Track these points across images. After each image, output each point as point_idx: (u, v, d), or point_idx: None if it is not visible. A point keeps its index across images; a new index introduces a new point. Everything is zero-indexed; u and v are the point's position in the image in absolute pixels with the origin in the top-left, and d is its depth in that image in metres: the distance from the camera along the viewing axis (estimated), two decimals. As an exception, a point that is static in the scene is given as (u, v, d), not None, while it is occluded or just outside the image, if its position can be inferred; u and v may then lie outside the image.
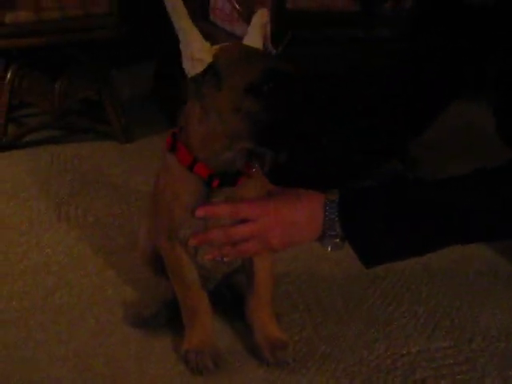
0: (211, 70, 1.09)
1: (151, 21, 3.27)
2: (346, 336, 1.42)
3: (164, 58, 3.14)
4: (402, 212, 1.20)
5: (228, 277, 1.43)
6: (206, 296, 1.32)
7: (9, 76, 2.49)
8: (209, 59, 1.10)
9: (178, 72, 2.75)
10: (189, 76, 1.11)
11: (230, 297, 1.50)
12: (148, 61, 3.36)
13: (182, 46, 1.10)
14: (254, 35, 1.19)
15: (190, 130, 1.17)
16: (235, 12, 2.04)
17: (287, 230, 1.20)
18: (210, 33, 2.35)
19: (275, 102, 1.05)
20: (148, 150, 2.55)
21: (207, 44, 1.11)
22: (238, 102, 1.08)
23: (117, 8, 2.49)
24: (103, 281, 1.61)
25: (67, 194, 2.12)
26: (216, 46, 1.13)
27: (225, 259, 1.23)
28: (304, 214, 1.20)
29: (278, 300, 1.50)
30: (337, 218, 1.19)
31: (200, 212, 1.18)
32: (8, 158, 2.45)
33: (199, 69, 1.09)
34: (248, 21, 1.96)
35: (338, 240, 1.22)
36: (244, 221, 1.20)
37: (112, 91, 2.64)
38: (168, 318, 1.43)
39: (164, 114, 2.90)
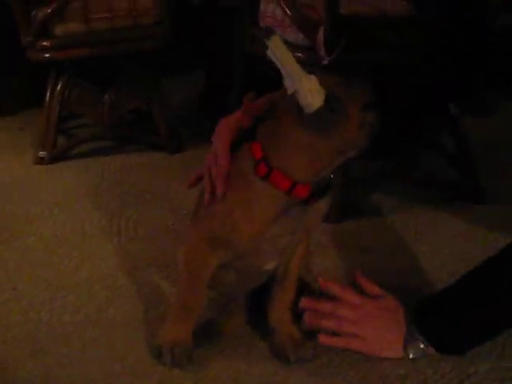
0: (330, 99, 1.12)
1: (200, 30, 3.28)
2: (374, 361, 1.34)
3: (214, 68, 3.13)
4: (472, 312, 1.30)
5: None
6: (206, 297, 1.34)
7: (59, 87, 2.49)
8: (323, 91, 1.13)
9: (228, 82, 2.76)
10: (311, 110, 1.12)
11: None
12: (197, 70, 3.35)
13: (295, 86, 1.12)
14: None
15: (290, 155, 1.16)
16: (287, 18, 2.00)
17: (381, 322, 1.34)
18: (260, 39, 2.31)
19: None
20: (198, 160, 2.51)
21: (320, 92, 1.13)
22: (362, 119, 1.14)
23: (166, 18, 2.48)
24: (156, 295, 1.58)
25: (118, 205, 2.10)
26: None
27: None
28: (394, 315, 1.36)
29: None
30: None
31: (305, 304, 1.35)
32: (58, 169, 2.45)
33: (321, 99, 1.11)
34: (300, 27, 1.94)
35: (422, 346, 1.32)
36: None
37: (161, 101, 2.62)
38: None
39: (213, 124, 2.87)
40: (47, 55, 2.39)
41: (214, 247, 1.23)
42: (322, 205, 1.22)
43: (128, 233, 1.91)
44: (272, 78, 2.37)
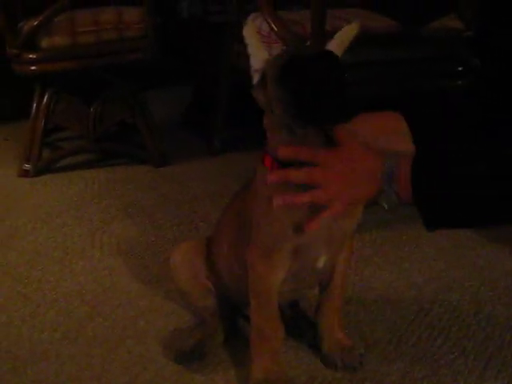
0: (262, 76, 1.14)
1: (187, 44, 3.28)
2: (390, 373, 1.33)
3: (200, 82, 3.13)
4: (472, 184, 1.21)
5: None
6: (283, 326, 1.28)
7: (45, 100, 2.49)
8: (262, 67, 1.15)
9: (214, 96, 2.75)
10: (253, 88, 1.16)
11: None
12: (183, 84, 3.35)
13: (250, 60, 1.19)
14: (334, 43, 1.19)
15: (269, 136, 1.19)
16: (273, 33, 2.00)
17: (355, 181, 1.19)
18: (246, 54, 2.32)
19: (301, 84, 1.06)
20: (184, 173, 2.52)
21: (266, 55, 1.17)
22: (273, 95, 1.10)
23: (152, 31, 2.47)
24: (136, 312, 1.56)
25: (101, 220, 2.09)
26: None
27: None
28: (368, 165, 1.20)
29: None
30: (394, 175, 1.20)
31: (273, 177, 1.16)
32: (42, 182, 2.45)
33: (256, 79, 1.15)
34: (286, 42, 1.95)
35: (394, 197, 1.22)
36: None
37: (146, 115, 2.62)
38: (207, 351, 1.38)
39: (200, 138, 2.88)
40: (33, 68, 2.39)
41: (271, 261, 1.21)
42: None
43: (110, 248, 1.90)
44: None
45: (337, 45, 1.18)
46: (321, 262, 1.25)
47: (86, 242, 1.94)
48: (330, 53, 1.09)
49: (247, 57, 1.22)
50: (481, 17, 2.06)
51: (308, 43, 1.88)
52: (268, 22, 2.03)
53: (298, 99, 1.06)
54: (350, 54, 1.94)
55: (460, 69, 2.08)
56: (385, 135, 1.26)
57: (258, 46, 1.19)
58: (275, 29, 1.99)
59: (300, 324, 1.48)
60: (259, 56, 1.17)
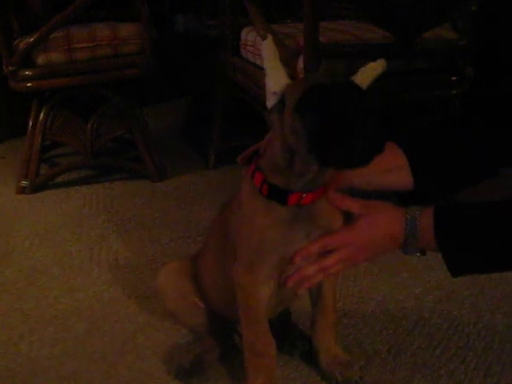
0: (280, 101, 1.10)
1: (183, 59, 3.30)
2: (391, 383, 1.33)
3: (197, 97, 3.14)
4: (494, 230, 1.21)
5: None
6: (274, 341, 1.27)
7: (41, 116, 2.50)
8: (281, 91, 1.10)
9: (210, 111, 2.76)
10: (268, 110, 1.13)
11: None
12: (179, 99, 3.36)
13: (266, 81, 1.13)
14: (361, 76, 1.15)
15: (266, 156, 1.17)
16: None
17: (371, 250, 1.24)
18: (241, 67, 2.33)
19: (321, 117, 1.00)
20: (181, 187, 2.53)
21: (285, 79, 1.11)
22: (290, 124, 1.06)
23: (148, 46, 2.49)
24: (135, 327, 1.56)
25: (99, 235, 2.09)
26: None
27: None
28: (385, 233, 1.23)
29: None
30: (417, 233, 1.21)
31: (297, 259, 1.19)
32: (40, 198, 2.45)
33: (272, 102, 1.11)
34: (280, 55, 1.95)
35: (418, 253, 1.25)
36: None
37: (143, 130, 2.62)
38: (206, 366, 1.38)
39: (196, 152, 2.89)
40: (29, 84, 2.39)
41: (255, 272, 1.21)
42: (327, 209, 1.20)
43: (109, 263, 1.89)
44: (253, 107, 2.40)
45: (360, 80, 1.13)
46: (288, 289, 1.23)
47: (84, 257, 1.93)
48: (356, 84, 1.05)
49: (247, 74, 1.20)
50: (474, 26, 2.07)
51: (300, 61, 1.88)
52: (261, 36, 2.04)
53: (319, 135, 1.00)
54: (345, 65, 1.98)
55: (454, 78, 2.09)
56: (386, 172, 1.27)
57: (278, 67, 1.11)
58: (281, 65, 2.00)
59: (293, 336, 1.47)
60: (279, 78, 1.10)
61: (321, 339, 1.35)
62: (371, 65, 1.16)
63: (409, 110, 2.20)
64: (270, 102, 1.11)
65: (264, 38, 1.13)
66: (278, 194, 1.14)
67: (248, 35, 2.27)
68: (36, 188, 2.50)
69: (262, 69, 2.07)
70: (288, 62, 1.94)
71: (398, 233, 1.22)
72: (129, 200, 2.41)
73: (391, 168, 1.27)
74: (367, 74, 1.15)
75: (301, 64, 1.88)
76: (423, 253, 1.25)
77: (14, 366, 1.42)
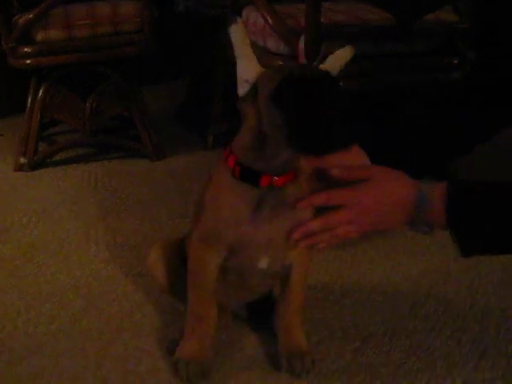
0: (252, 89, 1.12)
1: (183, 38, 3.28)
2: (385, 365, 1.34)
3: (196, 76, 3.13)
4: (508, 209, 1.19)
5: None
6: (216, 306, 1.30)
7: (40, 94, 2.48)
8: (253, 79, 1.12)
9: (210, 91, 2.75)
10: (240, 96, 1.15)
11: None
12: (179, 79, 3.34)
13: (237, 68, 1.14)
14: (330, 64, 1.18)
15: (239, 140, 1.19)
16: (268, 26, 2.00)
17: (379, 214, 1.21)
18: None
19: (298, 108, 1.03)
20: (179, 167, 2.52)
21: (257, 67, 1.13)
22: (266, 113, 1.09)
23: (148, 25, 2.47)
24: (132, 305, 1.56)
25: (97, 213, 2.09)
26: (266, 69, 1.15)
27: (319, 246, 1.24)
28: (395, 200, 1.21)
29: (316, 326, 1.46)
30: (427, 207, 1.20)
31: (295, 235, 1.19)
32: (38, 176, 2.44)
33: (244, 89, 1.13)
34: (281, 35, 1.94)
35: (426, 228, 1.23)
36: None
37: (142, 109, 2.61)
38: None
39: (194, 132, 2.88)
40: (28, 61, 2.37)
41: (209, 245, 1.23)
42: (292, 191, 1.19)
43: (106, 241, 1.89)
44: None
45: (329, 68, 1.16)
46: (263, 263, 1.25)
47: (81, 235, 1.93)
48: (331, 75, 1.08)
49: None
50: (476, 9, 2.06)
51: (301, 41, 1.86)
52: (262, 16, 2.03)
53: (296, 124, 1.03)
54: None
55: (455, 61, 2.08)
56: None
57: (249, 54, 1.13)
58: (270, 22, 1.99)
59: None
60: (250, 66, 1.13)
61: (279, 324, 1.35)
62: (339, 52, 1.20)
63: (406, 93, 2.20)
64: (242, 89, 1.13)
65: (232, 22, 1.14)
66: (250, 176, 1.16)
67: (249, 15, 2.25)
68: (34, 165, 2.50)
69: (264, 49, 2.08)
70: (289, 42, 1.94)
71: (409, 203, 1.20)
72: (127, 178, 2.40)
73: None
74: (336, 61, 1.19)
75: (302, 44, 1.87)
76: (431, 228, 1.23)
77: (10, 342, 1.42)
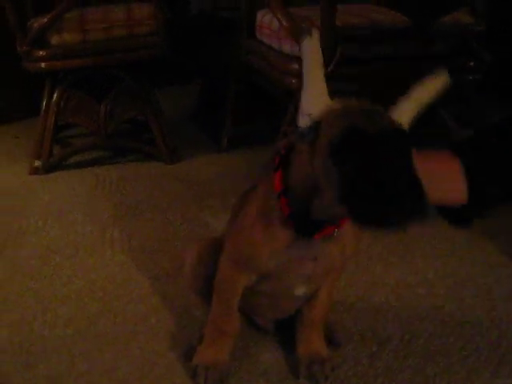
0: (313, 128, 1.00)
1: (196, 41, 3.28)
2: (403, 370, 1.33)
3: (209, 79, 3.13)
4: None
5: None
6: (239, 320, 1.29)
7: (55, 97, 2.49)
8: (317, 117, 1.00)
9: (223, 94, 2.75)
10: (299, 128, 1.02)
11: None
12: (192, 82, 3.35)
13: (302, 95, 1.01)
14: (405, 107, 1.03)
15: (292, 179, 1.09)
16: (283, 29, 1.99)
17: None
18: (256, 50, 2.32)
19: (357, 170, 0.90)
20: (194, 170, 2.52)
21: (324, 100, 1.00)
22: (321, 164, 0.97)
23: (162, 28, 2.47)
24: (148, 308, 1.56)
25: (112, 216, 2.09)
26: (337, 104, 1.01)
27: None
28: None
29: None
30: None
31: None
32: (53, 179, 2.45)
33: (305, 124, 1.01)
34: (296, 38, 1.94)
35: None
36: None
37: (157, 112, 2.62)
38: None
39: (209, 136, 2.88)
40: (43, 65, 2.38)
41: (239, 268, 1.21)
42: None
43: (121, 244, 1.89)
44: (266, 90, 2.38)
45: (414, 101, 1.03)
46: (299, 291, 1.23)
47: (97, 238, 1.94)
48: (404, 131, 0.95)
49: (262, 56, 1.11)
50: (492, 11, 2.05)
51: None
52: (277, 18, 2.03)
53: (352, 189, 0.90)
54: (360, 49, 1.96)
55: (472, 64, 2.07)
56: (439, 185, 1.17)
57: (320, 80, 0.99)
58: (285, 25, 1.98)
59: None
60: (316, 97, 0.99)
61: (302, 333, 1.33)
62: (433, 81, 1.03)
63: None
64: (302, 122, 1.01)
65: (305, 34, 0.97)
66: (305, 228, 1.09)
67: (264, 17, 2.25)
68: (49, 168, 2.51)
69: (279, 52, 2.08)
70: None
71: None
72: (141, 182, 2.40)
73: (445, 180, 1.21)
74: (426, 92, 1.03)
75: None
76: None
77: (27, 345, 1.43)
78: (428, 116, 1.97)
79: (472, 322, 1.49)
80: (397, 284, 1.66)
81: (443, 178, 1.21)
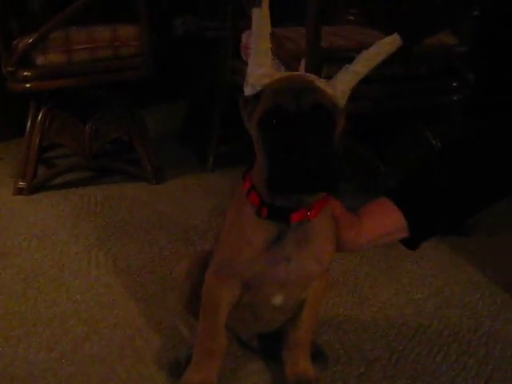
0: (255, 98, 1.07)
1: (182, 61, 3.29)
2: (391, 390, 1.33)
3: (195, 99, 3.13)
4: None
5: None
6: (226, 340, 1.28)
7: (39, 118, 2.48)
8: (259, 87, 1.07)
9: (209, 113, 2.75)
10: (244, 94, 1.10)
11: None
12: (178, 101, 3.35)
13: (249, 64, 1.09)
14: (368, 53, 1.15)
15: (256, 170, 1.14)
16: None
17: None
18: (241, 70, 2.32)
19: (276, 141, 1.02)
20: (179, 191, 2.52)
21: (269, 71, 1.08)
22: (255, 132, 1.07)
23: (147, 48, 2.48)
24: (134, 330, 1.55)
25: (97, 237, 2.07)
26: (279, 74, 1.09)
27: None
28: None
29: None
30: None
31: None
32: (37, 200, 2.43)
33: (248, 92, 1.09)
34: (281, 59, 1.95)
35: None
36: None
37: (142, 132, 2.61)
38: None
39: (194, 155, 2.88)
40: (28, 85, 2.37)
41: (221, 278, 1.21)
42: (320, 228, 1.16)
43: (107, 265, 1.88)
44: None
45: (370, 56, 1.13)
46: (277, 300, 1.23)
47: (82, 259, 1.92)
48: (324, 112, 1.03)
49: (243, 73, 1.15)
50: (475, 32, 2.07)
51: (302, 65, 1.86)
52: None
53: (271, 160, 1.02)
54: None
55: (455, 84, 2.09)
56: (387, 234, 1.31)
57: (264, 50, 1.08)
58: (270, 45, 1.99)
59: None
60: (261, 67, 1.07)
61: (288, 352, 1.32)
62: (385, 40, 1.16)
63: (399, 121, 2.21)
64: (247, 91, 1.09)
65: (255, 4, 1.05)
66: (279, 214, 1.12)
67: (249, 38, 2.26)
68: (33, 189, 2.49)
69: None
70: (290, 65, 1.94)
71: None
72: (127, 202, 2.39)
73: (391, 231, 1.31)
74: (378, 50, 1.15)
75: (302, 68, 1.88)
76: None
77: (11, 370, 1.40)
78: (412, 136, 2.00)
79: (459, 341, 1.50)
80: (384, 304, 1.66)
81: (391, 228, 1.32)
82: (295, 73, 1.15)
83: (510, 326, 1.55)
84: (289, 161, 0.98)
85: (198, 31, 3.24)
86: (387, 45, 1.16)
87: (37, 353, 1.47)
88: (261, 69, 1.07)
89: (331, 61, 1.87)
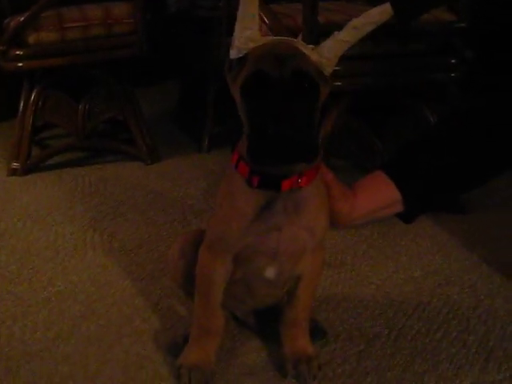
0: (240, 61, 1.07)
1: (175, 40, 3.26)
2: (391, 368, 1.32)
3: (189, 78, 3.11)
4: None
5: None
6: (223, 318, 1.27)
7: (32, 97, 2.45)
8: (244, 51, 1.07)
9: (202, 93, 2.73)
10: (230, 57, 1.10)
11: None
12: (172, 81, 3.32)
13: (235, 27, 1.08)
14: (357, 22, 1.13)
15: (243, 141, 1.12)
16: (265, 26, 1.98)
17: None
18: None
19: (256, 108, 1.00)
20: (174, 170, 2.50)
21: (255, 35, 1.06)
22: (238, 95, 1.05)
23: (140, 27, 2.44)
24: (132, 310, 1.53)
25: (92, 218, 2.06)
26: (264, 39, 1.08)
27: None
28: None
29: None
30: None
31: None
32: (32, 181, 2.41)
33: (233, 55, 1.08)
34: (278, 35, 1.92)
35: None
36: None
37: (136, 111, 2.59)
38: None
39: (189, 135, 2.86)
40: (20, 64, 2.34)
41: (214, 252, 1.20)
42: (310, 196, 1.15)
43: (103, 245, 1.86)
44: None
45: (359, 24, 1.12)
46: (270, 273, 1.21)
47: (77, 240, 1.90)
48: (307, 78, 1.01)
49: None
50: (473, 8, 2.05)
51: (300, 38, 1.85)
52: (259, 15, 2.01)
53: (251, 127, 1.01)
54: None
55: (453, 61, 2.07)
56: (382, 207, 1.35)
57: (252, 13, 1.07)
58: (266, 21, 1.97)
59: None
60: (247, 31, 1.06)
61: (285, 331, 1.31)
62: (375, 10, 1.15)
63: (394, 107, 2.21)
64: (232, 54, 1.08)
65: None
66: (270, 183, 1.10)
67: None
68: (27, 170, 2.47)
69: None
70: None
71: None
72: (122, 182, 2.38)
73: (386, 205, 1.35)
74: (368, 19, 1.14)
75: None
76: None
77: (7, 350, 1.39)
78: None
79: (459, 318, 1.49)
80: (383, 282, 1.65)
81: (384, 202, 1.36)
82: (281, 37, 1.14)
83: (509, 305, 1.54)
84: (267, 129, 0.96)
85: (191, 9, 3.20)
86: (377, 15, 1.14)
87: (33, 333, 1.45)
88: (247, 32, 1.06)
89: (328, 36, 1.84)
